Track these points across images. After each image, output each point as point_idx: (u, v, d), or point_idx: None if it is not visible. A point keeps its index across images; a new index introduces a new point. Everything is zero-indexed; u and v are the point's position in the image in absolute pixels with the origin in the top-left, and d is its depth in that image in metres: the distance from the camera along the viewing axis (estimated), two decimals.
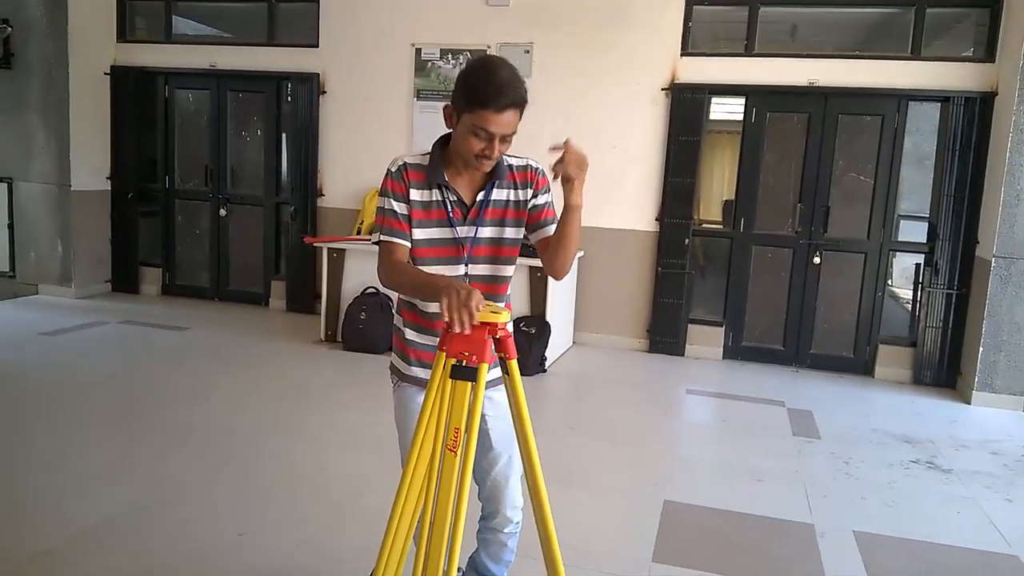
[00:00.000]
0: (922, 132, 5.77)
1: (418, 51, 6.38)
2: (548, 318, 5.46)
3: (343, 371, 5.28)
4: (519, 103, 1.83)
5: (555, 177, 1.89)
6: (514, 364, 1.78)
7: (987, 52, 5.39)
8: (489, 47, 6.18)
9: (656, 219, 6.03)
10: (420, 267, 1.96)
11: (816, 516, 3.34)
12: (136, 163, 7.22)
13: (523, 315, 5.49)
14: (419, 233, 1.96)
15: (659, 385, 5.47)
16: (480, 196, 1.98)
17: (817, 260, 5.82)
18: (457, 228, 1.97)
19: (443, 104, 1.93)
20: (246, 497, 3.23)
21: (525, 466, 1.83)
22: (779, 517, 3.32)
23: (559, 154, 1.85)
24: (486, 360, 1.68)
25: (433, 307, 1.97)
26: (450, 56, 6.31)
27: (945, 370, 5.55)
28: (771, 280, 5.98)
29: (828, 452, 4.16)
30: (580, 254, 6.00)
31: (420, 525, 1.74)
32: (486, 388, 1.75)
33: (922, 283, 5.66)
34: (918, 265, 5.72)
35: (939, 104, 5.58)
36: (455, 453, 1.66)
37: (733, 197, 6.03)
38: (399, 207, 1.95)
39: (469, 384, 1.68)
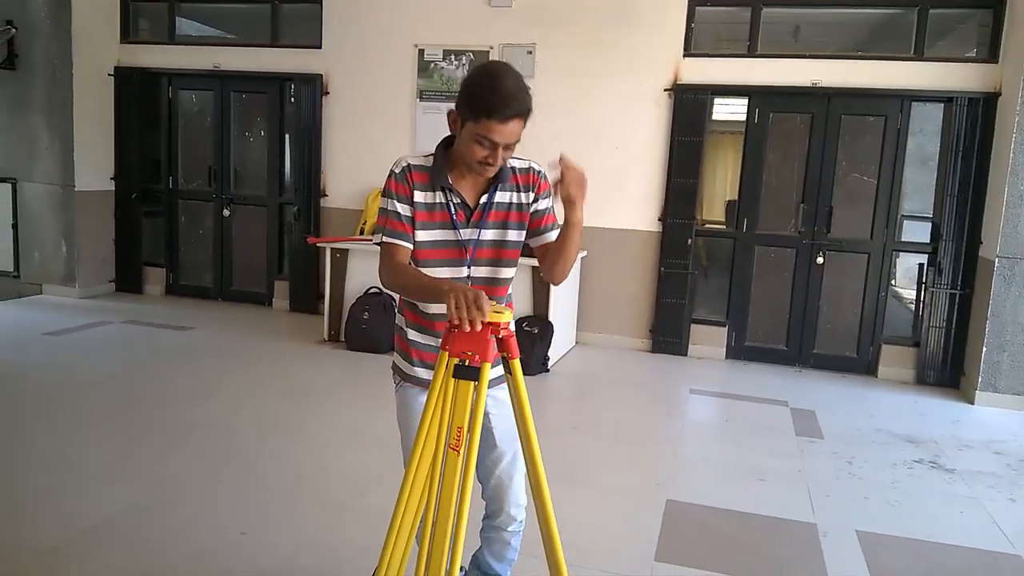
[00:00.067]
0: (925, 133, 5.76)
1: (421, 52, 6.39)
2: (551, 318, 5.46)
3: (346, 371, 5.29)
4: (523, 113, 1.83)
5: (554, 194, 1.91)
6: (517, 364, 1.78)
7: (990, 53, 5.39)
8: (492, 47, 6.19)
9: (659, 219, 6.03)
10: (422, 269, 1.96)
11: (819, 516, 3.34)
12: (140, 163, 7.25)
13: (526, 315, 5.49)
14: (422, 235, 1.96)
15: (662, 385, 5.47)
16: (483, 199, 1.98)
17: (820, 260, 5.82)
18: (460, 230, 1.97)
19: (447, 109, 1.92)
20: (249, 496, 3.24)
21: (528, 465, 1.84)
22: (782, 517, 3.32)
23: (558, 172, 1.85)
24: (489, 359, 1.68)
25: (434, 308, 1.98)
26: (453, 57, 6.31)
27: (948, 370, 5.55)
28: (774, 280, 5.98)
29: (831, 452, 4.16)
30: (583, 254, 6.01)
31: (423, 524, 1.75)
32: (490, 386, 1.75)
33: (925, 283, 5.65)
34: (921, 265, 5.71)
35: (942, 105, 5.57)
36: (458, 452, 1.66)
37: (736, 197, 6.02)
38: (402, 209, 1.94)
39: (472, 383, 1.68)
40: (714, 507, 3.39)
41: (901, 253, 5.89)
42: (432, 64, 6.37)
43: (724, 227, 6.28)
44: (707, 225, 6.29)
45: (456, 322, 1.66)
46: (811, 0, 5.96)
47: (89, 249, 7.06)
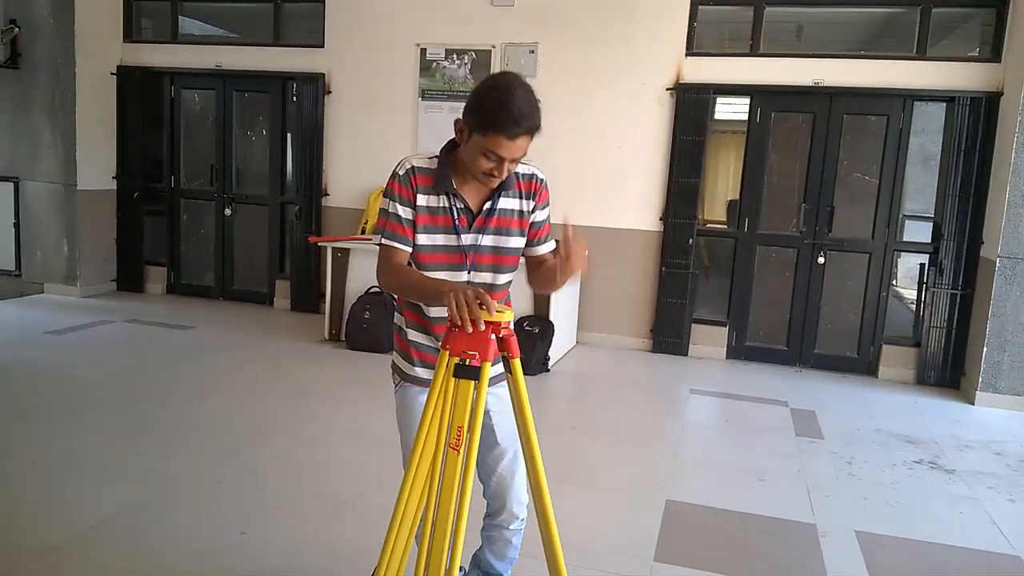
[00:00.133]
0: (927, 132, 5.75)
1: (423, 51, 6.40)
2: (552, 318, 5.47)
3: (347, 370, 5.29)
4: (532, 130, 1.82)
5: (557, 260, 1.88)
6: (517, 363, 1.78)
7: (993, 52, 5.38)
8: (494, 47, 6.20)
9: (660, 219, 6.03)
10: (422, 272, 1.96)
11: (818, 516, 3.35)
12: (142, 163, 7.26)
13: (527, 315, 5.50)
14: (423, 239, 1.95)
15: (662, 385, 5.47)
16: (487, 205, 1.97)
17: (821, 260, 5.82)
18: (462, 235, 1.96)
19: (455, 118, 1.90)
20: (249, 496, 3.25)
21: (528, 466, 1.84)
22: (781, 517, 3.33)
23: (569, 230, 1.81)
24: (489, 359, 1.68)
25: (435, 312, 1.98)
26: (455, 56, 6.32)
27: (949, 370, 5.54)
28: (775, 280, 5.98)
29: (831, 452, 4.16)
30: (584, 253, 5.99)
31: (422, 524, 1.75)
32: (490, 384, 1.75)
33: (926, 283, 5.64)
34: (922, 265, 5.71)
35: (944, 104, 5.57)
36: (458, 452, 1.67)
37: (737, 197, 6.02)
38: (404, 212, 1.93)
39: (472, 383, 1.69)
40: (714, 507, 3.39)
41: (902, 253, 5.88)
42: (434, 63, 6.38)
43: (725, 227, 6.28)
44: (708, 225, 6.29)
45: (458, 322, 1.66)
46: None
47: (91, 248, 7.07)
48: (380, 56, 6.51)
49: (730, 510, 3.37)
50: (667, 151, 5.97)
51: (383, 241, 1.94)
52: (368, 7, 6.49)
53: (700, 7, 5.86)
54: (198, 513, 3.07)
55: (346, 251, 5.89)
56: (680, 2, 5.84)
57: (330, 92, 6.67)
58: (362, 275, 5.77)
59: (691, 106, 5.85)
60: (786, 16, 6.06)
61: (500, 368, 1.91)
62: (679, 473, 3.81)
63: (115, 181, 7.22)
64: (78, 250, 6.96)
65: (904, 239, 5.82)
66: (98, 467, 3.47)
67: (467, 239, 1.97)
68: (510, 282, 2.10)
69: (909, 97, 5.57)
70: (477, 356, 1.69)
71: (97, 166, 7.04)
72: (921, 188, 5.85)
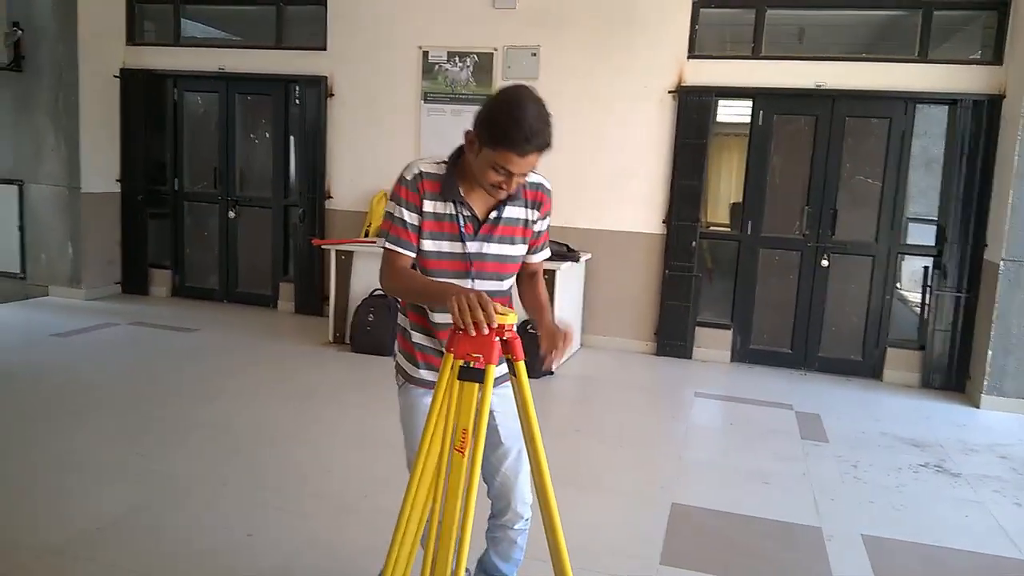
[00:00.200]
0: (930, 135, 5.75)
1: (425, 54, 6.40)
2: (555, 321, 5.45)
3: (351, 373, 5.29)
4: (543, 148, 1.81)
5: (542, 345, 1.97)
6: (521, 366, 1.79)
7: (995, 54, 5.38)
8: (496, 49, 6.20)
9: (663, 221, 6.03)
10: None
11: (824, 519, 3.34)
12: (145, 165, 7.27)
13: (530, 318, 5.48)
14: (429, 244, 1.95)
15: (666, 388, 5.46)
16: (493, 214, 1.97)
17: (825, 263, 5.81)
18: (468, 243, 1.96)
19: (465, 129, 1.88)
20: (253, 497, 3.25)
21: (533, 468, 1.84)
22: (787, 520, 3.32)
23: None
24: (493, 361, 1.68)
25: (439, 317, 1.98)
26: (457, 59, 6.32)
27: (954, 373, 5.53)
28: (779, 283, 5.97)
29: (836, 455, 4.15)
30: (587, 256, 6.01)
31: (428, 526, 1.75)
32: (494, 385, 1.75)
33: (931, 286, 5.63)
34: (926, 268, 5.69)
35: (946, 107, 5.56)
36: (463, 454, 1.67)
37: (740, 200, 6.02)
38: (409, 217, 1.93)
39: (476, 385, 1.69)
40: (719, 510, 3.38)
41: (906, 256, 5.86)
42: (436, 66, 6.38)
43: (728, 229, 6.28)
44: (711, 227, 6.29)
45: (461, 326, 1.66)
46: (815, 2, 5.95)
47: (95, 251, 7.08)
48: (382, 58, 6.52)
49: (735, 513, 3.36)
50: (669, 154, 5.96)
51: (387, 245, 1.94)
52: (370, 10, 6.50)
53: (702, 10, 5.86)
54: (202, 514, 3.07)
55: (350, 254, 5.89)
56: (682, 5, 5.84)
57: (332, 95, 6.68)
58: (366, 278, 5.77)
59: (693, 109, 5.85)
60: (788, 19, 6.06)
61: (504, 369, 1.91)
62: (684, 476, 3.81)
63: (119, 184, 7.23)
64: (82, 253, 6.97)
65: (908, 242, 5.81)
66: (102, 468, 3.47)
67: (472, 247, 1.96)
68: (510, 289, 2.11)
69: (911, 100, 5.56)
70: (481, 359, 1.69)
71: (101, 169, 7.05)
72: (924, 191, 5.84)
